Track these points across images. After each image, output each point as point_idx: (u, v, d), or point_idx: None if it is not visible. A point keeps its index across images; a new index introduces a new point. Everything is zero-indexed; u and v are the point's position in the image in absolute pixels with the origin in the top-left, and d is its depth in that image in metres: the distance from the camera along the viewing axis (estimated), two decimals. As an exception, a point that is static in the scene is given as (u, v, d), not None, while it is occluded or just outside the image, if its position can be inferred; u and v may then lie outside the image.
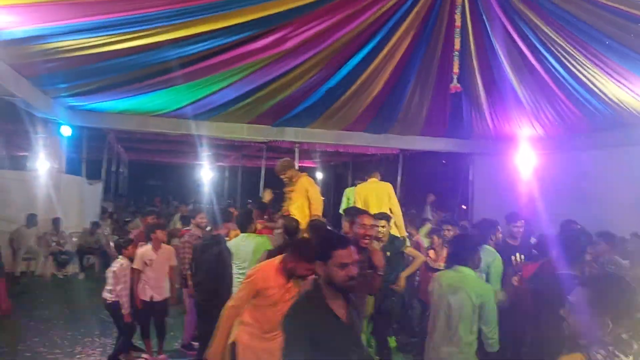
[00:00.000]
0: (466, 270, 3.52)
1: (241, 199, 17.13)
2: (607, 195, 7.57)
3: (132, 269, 5.46)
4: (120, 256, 5.51)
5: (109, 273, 5.38)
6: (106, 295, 5.33)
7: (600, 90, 6.59)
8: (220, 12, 5.05)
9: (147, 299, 5.48)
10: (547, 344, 3.25)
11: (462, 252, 3.62)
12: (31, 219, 8.95)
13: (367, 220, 4.14)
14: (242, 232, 4.99)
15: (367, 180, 6.59)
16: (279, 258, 3.40)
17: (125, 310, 5.28)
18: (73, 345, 5.95)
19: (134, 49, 5.64)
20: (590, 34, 5.38)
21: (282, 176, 6.12)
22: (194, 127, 9.14)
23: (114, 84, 7.15)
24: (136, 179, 20.29)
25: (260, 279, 3.30)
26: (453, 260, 3.69)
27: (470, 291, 3.40)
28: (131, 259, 5.44)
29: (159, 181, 23.50)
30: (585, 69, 6.18)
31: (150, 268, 5.50)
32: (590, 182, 7.95)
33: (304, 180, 5.99)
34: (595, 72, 6.16)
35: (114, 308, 5.31)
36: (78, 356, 5.67)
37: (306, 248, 3.20)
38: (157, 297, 5.53)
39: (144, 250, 5.61)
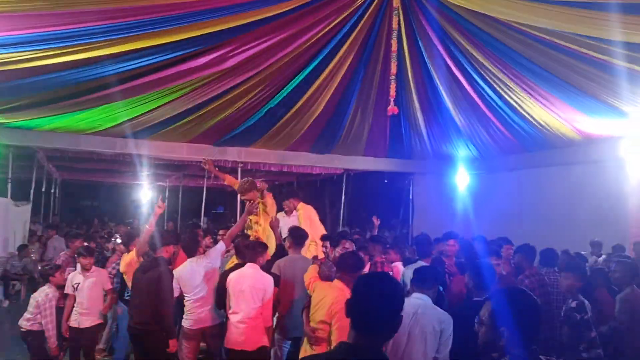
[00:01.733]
0: (425, 298, 3.57)
1: (182, 220, 16.68)
2: (537, 212, 8.00)
3: (66, 295, 5.31)
4: (47, 284, 5.23)
5: (32, 300, 5.10)
6: (22, 323, 5.05)
7: (528, 114, 6.99)
8: (160, 29, 4.95)
9: (75, 325, 5.23)
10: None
11: (425, 282, 3.66)
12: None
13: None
14: (189, 256, 4.92)
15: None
16: None
17: (52, 343, 5.00)
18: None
19: (66, 64, 5.40)
20: (518, 61, 5.73)
21: (243, 198, 5.97)
22: (132, 146, 8.82)
23: (45, 101, 6.79)
24: (69, 200, 19.31)
25: None
26: (416, 287, 3.72)
27: (432, 319, 3.44)
28: (59, 287, 5.23)
29: (94, 201, 22.52)
30: (514, 94, 6.55)
31: (78, 293, 5.28)
32: (521, 200, 8.39)
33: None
34: (523, 97, 6.54)
35: (31, 337, 5.03)
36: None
37: None
38: (86, 324, 5.25)
39: (73, 274, 5.45)
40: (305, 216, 6.15)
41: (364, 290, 1.89)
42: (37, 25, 4.51)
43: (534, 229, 7.40)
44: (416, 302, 3.52)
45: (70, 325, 5.27)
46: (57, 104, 6.88)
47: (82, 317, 5.24)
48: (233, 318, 4.36)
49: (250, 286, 4.35)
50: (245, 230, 5.88)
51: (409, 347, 3.34)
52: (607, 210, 7.04)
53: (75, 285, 5.28)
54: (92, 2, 4.33)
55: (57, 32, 4.68)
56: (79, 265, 5.42)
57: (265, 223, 5.79)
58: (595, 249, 6.91)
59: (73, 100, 6.73)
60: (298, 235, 5.05)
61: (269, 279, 4.47)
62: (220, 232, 5.75)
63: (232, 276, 4.49)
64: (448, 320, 3.48)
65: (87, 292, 5.29)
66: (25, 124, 8.04)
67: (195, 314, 4.76)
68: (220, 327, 4.87)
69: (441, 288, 4.20)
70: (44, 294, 5.10)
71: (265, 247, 4.87)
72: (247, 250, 4.74)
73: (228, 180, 6.66)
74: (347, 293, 3.64)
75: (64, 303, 5.74)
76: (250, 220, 5.88)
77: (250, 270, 4.47)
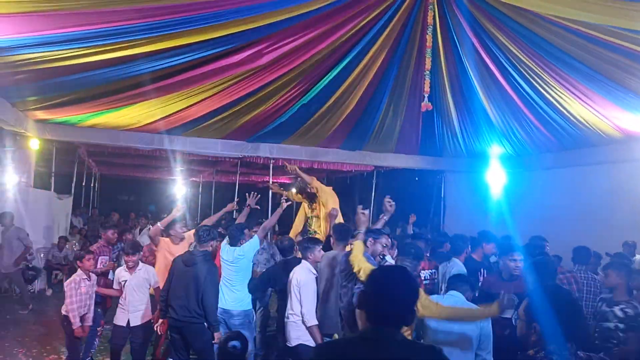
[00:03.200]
0: (458, 295, 3.67)
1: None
2: (574, 211, 7.81)
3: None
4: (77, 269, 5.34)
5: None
6: (62, 309, 5.22)
7: (566, 110, 6.82)
8: (196, 27, 5.05)
9: (122, 323, 5.23)
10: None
11: (461, 284, 3.77)
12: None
13: None
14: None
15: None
16: None
17: (75, 324, 5.06)
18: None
19: (107, 61, 5.57)
20: (557, 55, 5.59)
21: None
22: (167, 142, 9.05)
23: (86, 97, 7.03)
24: (108, 194, 19.87)
25: None
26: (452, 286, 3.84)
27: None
28: (87, 273, 5.30)
29: (131, 196, 23.10)
30: (552, 90, 6.40)
31: (125, 290, 5.27)
32: (558, 200, 8.19)
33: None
34: (561, 93, 6.38)
35: (66, 322, 5.15)
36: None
37: None
38: (135, 322, 5.23)
39: (118, 270, 5.49)
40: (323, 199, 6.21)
41: (381, 281, 1.93)
42: (80, 24, 4.65)
43: (570, 229, 7.22)
44: (450, 300, 3.56)
45: (117, 323, 5.25)
46: (97, 100, 7.11)
47: (131, 314, 5.23)
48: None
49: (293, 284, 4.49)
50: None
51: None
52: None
53: (123, 283, 5.29)
54: (132, 1, 4.45)
55: (98, 30, 4.81)
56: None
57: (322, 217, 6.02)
58: (629, 250, 6.69)
59: (113, 97, 6.94)
60: (342, 231, 4.86)
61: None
62: (254, 228, 5.85)
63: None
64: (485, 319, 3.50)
65: (134, 289, 5.28)
66: (68, 119, 8.34)
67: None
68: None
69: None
70: (72, 277, 5.22)
71: (313, 241, 4.90)
72: (299, 246, 4.86)
73: (313, 180, 6.61)
74: None
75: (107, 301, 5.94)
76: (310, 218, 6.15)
77: (297, 267, 4.60)
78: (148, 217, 13.87)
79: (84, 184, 14.65)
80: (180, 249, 5.56)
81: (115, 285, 5.47)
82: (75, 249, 9.90)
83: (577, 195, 8.03)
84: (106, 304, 6.03)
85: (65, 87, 6.54)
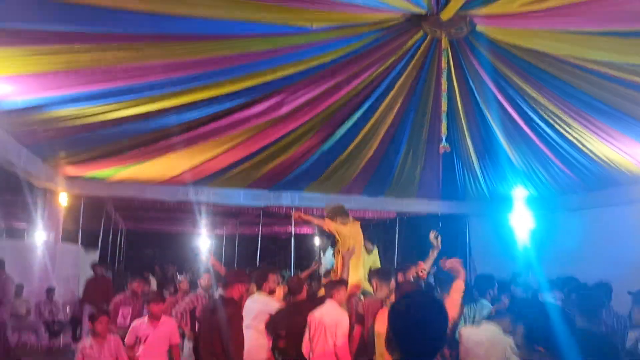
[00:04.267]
0: (493, 326, 3.79)
1: (238, 267, 16.90)
2: (601, 252, 7.59)
3: (126, 347, 4.66)
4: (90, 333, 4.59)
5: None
6: None
7: (589, 150, 6.77)
8: (218, 80, 5.28)
9: None
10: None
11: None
12: (18, 290, 8.80)
13: None
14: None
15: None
16: None
17: None
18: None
19: (134, 116, 5.81)
20: (575, 95, 5.59)
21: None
22: (192, 194, 9.22)
23: (114, 151, 7.29)
24: (133, 248, 20.08)
25: None
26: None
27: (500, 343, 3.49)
28: (102, 337, 4.58)
29: (156, 250, 23.26)
30: (573, 130, 6.37)
31: (144, 346, 4.65)
32: (583, 240, 7.99)
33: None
34: (583, 132, 6.35)
35: None
36: None
37: None
38: None
39: (138, 323, 4.86)
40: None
41: (413, 310, 1.85)
42: (107, 80, 4.90)
43: (598, 270, 6.97)
44: (487, 328, 3.57)
45: None
46: (125, 154, 7.35)
47: None
48: None
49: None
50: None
51: None
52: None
53: (144, 338, 4.65)
54: (158, 57, 4.68)
55: (126, 87, 5.07)
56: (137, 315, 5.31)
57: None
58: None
59: (139, 149, 7.17)
60: (384, 272, 4.69)
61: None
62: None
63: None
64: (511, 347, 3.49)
65: (156, 346, 4.71)
66: (96, 175, 8.61)
67: None
68: None
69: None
70: (85, 343, 4.50)
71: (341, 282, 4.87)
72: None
73: (326, 224, 6.29)
74: None
75: None
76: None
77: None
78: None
79: (110, 238, 14.87)
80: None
81: (129, 340, 4.72)
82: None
83: (603, 235, 7.83)
84: None
85: (94, 142, 6.80)
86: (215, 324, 4.68)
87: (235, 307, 4.73)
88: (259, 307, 5.26)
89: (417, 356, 1.75)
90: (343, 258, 5.44)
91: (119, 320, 5.83)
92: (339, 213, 6.00)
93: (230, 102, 5.85)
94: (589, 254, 7.69)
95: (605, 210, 7.93)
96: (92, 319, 4.64)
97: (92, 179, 8.83)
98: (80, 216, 10.50)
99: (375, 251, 6.84)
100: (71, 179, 8.76)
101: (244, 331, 5.26)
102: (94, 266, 9.09)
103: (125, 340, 4.67)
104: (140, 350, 4.63)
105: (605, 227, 7.89)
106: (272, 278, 5.53)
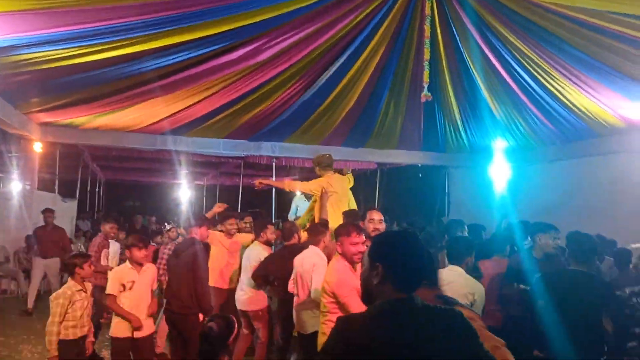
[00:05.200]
0: (458, 270, 3.73)
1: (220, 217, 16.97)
2: (579, 203, 7.76)
3: (107, 296, 4.47)
4: (69, 279, 4.36)
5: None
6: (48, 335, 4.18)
7: (569, 101, 6.78)
8: (194, 23, 5.08)
9: (127, 335, 4.41)
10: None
11: (457, 253, 3.80)
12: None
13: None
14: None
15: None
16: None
17: (51, 351, 4.05)
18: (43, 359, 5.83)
19: (108, 61, 5.60)
20: (559, 46, 5.54)
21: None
22: (170, 143, 9.08)
23: (88, 98, 7.06)
24: (113, 200, 19.96)
25: None
26: (450, 261, 3.89)
27: (461, 287, 3.53)
28: (83, 282, 4.40)
29: (136, 201, 23.16)
30: (555, 81, 6.35)
31: (130, 292, 4.46)
32: (561, 192, 8.15)
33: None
34: (564, 84, 6.34)
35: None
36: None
37: None
38: (143, 332, 4.46)
39: (121, 270, 4.64)
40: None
41: (404, 244, 1.90)
42: (79, 21, 4.67)
43: (575, 221, 7.13)
44: (448, 274, 3.61)
45: (119, 336, 4.41)
46: (100, 101, 7.15)
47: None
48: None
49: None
50: None
51: None
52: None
53: (129, 284, 4.48)
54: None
55: (98, 28, 4.84)
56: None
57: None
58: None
59: (115, 97, 6.98)
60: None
61: None
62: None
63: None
64: (480, 290, 3.56)
65: (144, 292, 4.56)
66: (71, 122, 8.38)
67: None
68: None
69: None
70: (59, 292, 4.27)
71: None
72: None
73: (287, 186, 6.49)
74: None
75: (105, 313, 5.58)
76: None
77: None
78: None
79: (88, 189, 14.73)
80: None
81: (113, 290, 4.49)
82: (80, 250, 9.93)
83: (580, 187, 7.99)
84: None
85: (68, 88, 6.57)
86: (180, 267, 4.74)
87: (197, 248, 4.76)
88: (256, 256, 5.51)
89: (407, 286, 1.79)
90: (320, 201, 5.61)
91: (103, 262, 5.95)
92: (317, 163, 6.04)
93: (207, 47, 5.65)
94: (566, 205, 7.86)
95: (583, 161, 8.05)
96: (77, 264, 4.38)
97: (67, 126, 8.60)
98: (57, 165, 10.33)
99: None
100: (45, 127, 8.53)
101: (244, 279, 5.43)
102: (44, 211, 8.26)
103: (108, 289, 4.49)
104: (126, 297, 4.50)
105: (582, 178, 8.05)
106: (271, 229, 5.83)
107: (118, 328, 4.45)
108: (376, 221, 4.55)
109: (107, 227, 6.40)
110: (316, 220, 5.52)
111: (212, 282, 5.43)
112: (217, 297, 5.68)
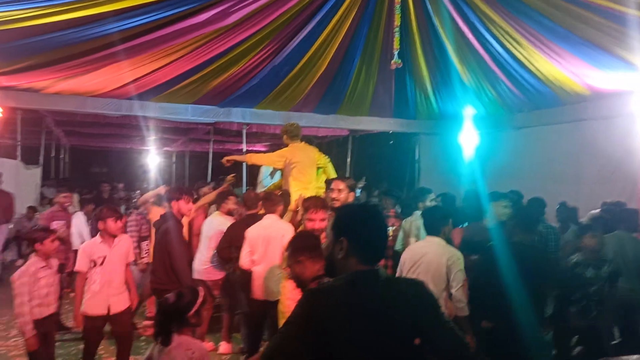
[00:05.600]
0: (435, 239, 3.83)
1: (189, 185, 16.82)
2: (545, 169, 7.98)
3: (76, 274, 4.30)
4: (32, 254, 4.16)
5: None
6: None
7: (537, 69, 6.85)
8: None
9: (102, 312, 4.26)
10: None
11: (433, 223, 3.82)
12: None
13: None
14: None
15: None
16: None
17: (27, 332, 3.88)
18: (8, 329, 5.81)
19: (70, 22, 5.36)
20: (528, 14, 5.57)
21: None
22: (137, 108, 8.81)
23: (50, 62, 6.76)
24: (78, 166, 19.47)
25: None
26: (427, 232, 3.98)
27: (438, 256, 3.62)
28: (46, 258, 4.21)
29: (103, 168, 22.68)
30: (523, 48, 6.40)
31: (101, 268, 4.29)
32: (528, 158, 8.35)
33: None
34: (532, 52, 6.39)
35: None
36: (14, 339, 5.49)
37: None
38: (118, 307, 4.33)
39: (90, 246, 4.43)
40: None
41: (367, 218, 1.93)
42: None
43: (541, 187, 7.36)
44: (424, 245, 3.68)
45: (94, 314, 4.26)
46: (62, 64, 6.84)
47: (112, 299, 4.29)
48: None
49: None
50: None
51: None
52: (616, 167, 6.99)
53: (100, 260, 4.30)
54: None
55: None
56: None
57: None
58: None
59: (78, 60, 6.69)
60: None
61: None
62: None
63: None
64: (455, 255, 3.66)
65: (117, 266, 4.38)
66: (31, 87, 8.04)
67: None
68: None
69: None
70: (22, 269, 4.05)
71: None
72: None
73: (250, 159, 6.36)
74: None
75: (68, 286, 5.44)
76: None
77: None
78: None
79: (52, 155, 14.32)
80: None
81: (82, 266, 4.31)
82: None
83: (547, 154, 8.18)
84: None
85: (28, 51, 6.26)
86: (156, 243, 4.73)
87: (175, 223, 4.74)
88: (216, 226, 5.54)
89: (372, 259, 1.84)
90: (283, 171, 5.70)
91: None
92: (285, 132, 6.05)
93: (172, 9, 5.45)
94: (533, 171, 8.08)
95: (550, 128, 8.21)
96: (37, 239, 4.16)
97: (28, 91, 8.25)
98: (18, 130, 9.96)
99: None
100: (5, 90, 8.16)
101: (202, 250, 5.41)
102: None
103: (77, 266, 4.30)
104: (97, 272, 4.29)
105: (548, 145, 8.23)
106: (232, 200, 5.88)
107: (91, 305, 4.27)
108: (335, 191, 4.53)
109: (60, 197, 5.99)
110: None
111: None
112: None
